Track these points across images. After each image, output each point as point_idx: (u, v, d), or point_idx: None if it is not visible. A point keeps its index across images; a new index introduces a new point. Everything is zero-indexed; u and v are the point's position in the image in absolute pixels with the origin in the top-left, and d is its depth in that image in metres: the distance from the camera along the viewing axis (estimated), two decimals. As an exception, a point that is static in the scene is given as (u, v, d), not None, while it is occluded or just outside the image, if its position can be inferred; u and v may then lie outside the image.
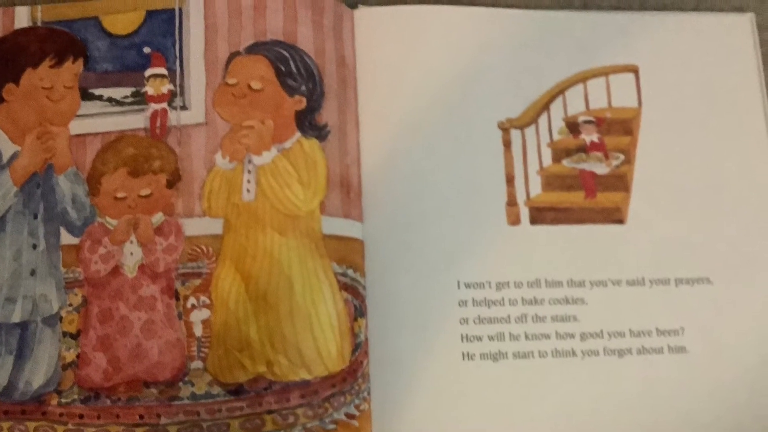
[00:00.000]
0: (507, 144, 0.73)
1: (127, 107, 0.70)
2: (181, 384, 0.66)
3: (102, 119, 0.69)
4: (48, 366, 0.66)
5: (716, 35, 0.78)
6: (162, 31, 0.71)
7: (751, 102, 0.76)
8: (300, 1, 0.72)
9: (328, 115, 0.70)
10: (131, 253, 0.67)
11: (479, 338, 0.69)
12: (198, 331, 0.67)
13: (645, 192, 0.74)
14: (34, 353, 0.66)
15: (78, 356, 0.66)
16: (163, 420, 0.65)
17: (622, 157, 0.74)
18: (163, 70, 0.70)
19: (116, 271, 0.67)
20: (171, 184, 0.68)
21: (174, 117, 0.70)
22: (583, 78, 0.75)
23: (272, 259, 0.67)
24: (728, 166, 0.75)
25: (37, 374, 0.65)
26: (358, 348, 0.68)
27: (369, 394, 0.67)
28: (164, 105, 0.70)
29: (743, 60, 0.77)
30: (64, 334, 0.66)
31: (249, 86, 0.70)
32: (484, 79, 0.74)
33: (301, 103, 0.70)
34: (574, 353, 0.70)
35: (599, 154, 0.74)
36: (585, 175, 0.74)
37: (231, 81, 0.70)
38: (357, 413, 0.66)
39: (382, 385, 0.67)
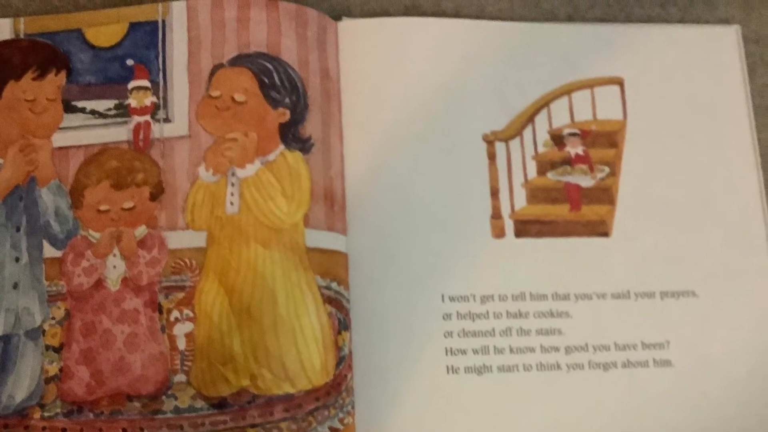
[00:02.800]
0: (492, 156, 0.75)
1: (110, 120, 0.71)
2: (164, 397, 0.67)
3: (85, 132, 0.71)
4: (31, 379, 0.66)
5: (702, 47, 0.79)
6: (145, 43, 0.72)
7: (736, 114, 0.78)
8: (284, 13, 0.73)
9: (311, 127, 0.72)
10: (114, 266, 0.68)
11: (464, 351, 0.71)
12: (181, 344, 0.68)
13: (630, 205, 0.75)
14: (17, 367, 0.67)
15: (61, 370, 0.67)
16: (146, 433, 0.66)
17: (607, 169, 0.76)
18: (146, 83, 0.71)
19: (99, 284, 0.68)
20: (154, 197, 0.69)
21: (157, 129, 0.71)
22: (567, 90, 0.77)
23: (256, 272, 0.68)
24: (714, 179, 0.77)
25: (20, 388, 0.66)
26: (342, 361, 0.69)
27: (353, 407, 0.69)
28: (147, 117, 0.71)
29: (729, 72, 0.79)
30: (47, 347, 0.67)
31: (232, 98, 0.71)
32: (468, 92, 0.76)
33: (284, 115, 0.71)
34: (558, 367, 0.71)
35: (584, 166, 0.76)
36: (570, 188, 0.75)
37: (214, 93, 0.71)
38: (341, 427, 0.68)
39: (366, 398, 0.69)
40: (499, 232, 0.74)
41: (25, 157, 0.70)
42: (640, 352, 0.73)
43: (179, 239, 0.69)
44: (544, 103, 0.77)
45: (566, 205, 0.75)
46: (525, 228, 0.74)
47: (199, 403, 0.67)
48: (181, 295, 0.69)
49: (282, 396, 0.67)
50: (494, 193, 0.74)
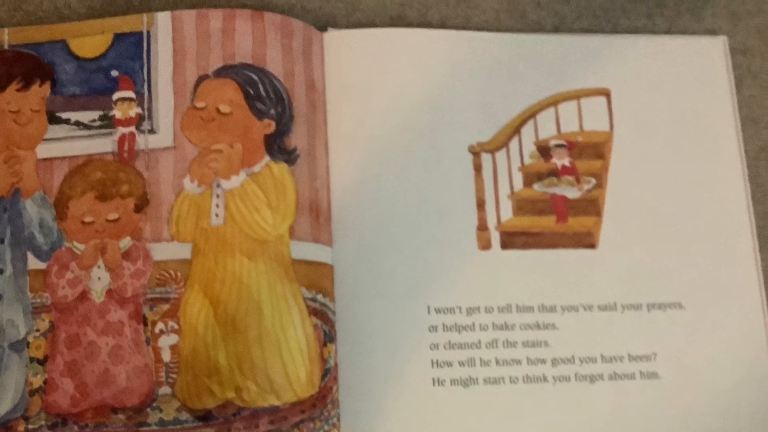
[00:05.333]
0: (478, 168, 0.76)
1: (94, 131, 0.72)
2: (149, 410, 0.68)
3: (69, 143, 0.72)
4: (15, 392, 0.68)
5: (688, 58, 0.81)
6: (130, 54, 0.73)
7: (723, 125, 0.80)
8: (269, 24, 0.74)
9: (297, 138, 0.73)
10: (99, 278, 0.70)
11: (450, 364, 0.72)
12: (166, 356, 0.69)
13: (617, 216, 0.77)
14: (1, 379, 0.68)
15: (45, 382, 0.68)
16: (131, 446, 0.67)
17: (593, 181, 0.77)
18: (131, 94, 0.73)
19: (84, 296, 0.69)
20: (139, 209, 0.70)
21: (142, 141, 0.72)
22: (554, 101, 0.78)
23: (241, 284, 0.70)
24: (700, 191, 0.78)
25: (4, 400, 0.67)
26: (328, 374, 0.70)
27: (339, 420, 0.70)
28: (132, 129, 0.72)
29: (716, 83, 0.81)
30: (31, 359, 0.68)
31: (217, 110, 0.72)
32: (454, 103, 0.77)
33: (270, 126, 0.72)
34: (545, 379, 0.73)
35: (571, 178, 0.77)
36: (556, 200, 0.77)
37: (199, 104, 0.72)
38: (326, 439, 0.69)
39: (351, 411, 0.71)
40: (485, 244, 0.75)
41: (10, 169, 0.71)
42: (626, 364, 0.74)
43: (164, 251, 0.71)
44: (530, 115, 0.78)
45: (553, 216, 0.77)
46: (511, 240, 0.76)
47: (184, 416, 0.68)
48: (166, 307, 0.70)
49: (267, 408, 0.68)
50: (480, 204, 0.76)
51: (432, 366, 0.73)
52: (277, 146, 0.73)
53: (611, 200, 0.78)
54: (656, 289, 0.76)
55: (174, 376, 0.69)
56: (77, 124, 0.73)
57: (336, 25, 0.79)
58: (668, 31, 0.83)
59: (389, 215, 0.75)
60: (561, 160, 0.78)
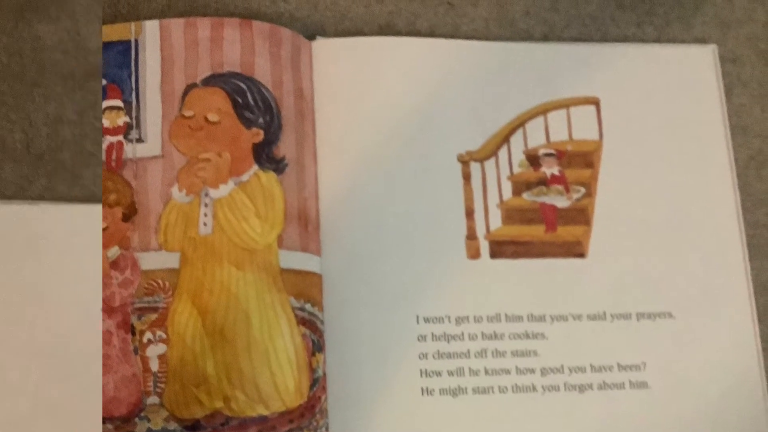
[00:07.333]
0: (467, 177, 0.77)
1: None
2: (137, 419, 0.68)
3: None
4: None
5: (678, 67, 0.82)
6: (118, 62, 0.74)
7: (713, 134, 0.81)
8: (257, 33, 0.75)
9: (285, 147, 0.74)
10: None
11: (438, 373, 0.73)
12: (154, 366, 0.69)
13: (606, 225, 0.78)
14: None
15: None
16: (119, 456, 0.68)
17: (583, 190, 0.79)
18: (118, 102, 0.73)
19: None
20: (127, 218, 0.71)
21: (130, 150, 0.72)
22: (543, 110, 0.79)
23: (229, 293, 0.70)
24: (690, 200, 0.79)
25: None
26: (316, 383, 0.71)
27: (327, 429, 0.71)
28: (120, 137, 0.72)
29: (705, 92, 0.82)
30: None
31: (206, 118, 0.73)
32: (443, 111, 0.78)
33: (258, 135, 0.73)
34: (534, 388, 0.74)
35: (560, 187, 0.79)
36: (545, 209, 0.78)
37: (187, 113, 0.73)
38: (315, 449, 0.70)
39: (340, 420, 0.72)
40: (474, 253, 0.77)
41: (-2, 177, 0.71)
42: (616, 373, 0.75)
43: (152, 260, 0.71)
44: (519, 123, 0.79)
45: (542, 225, 0.78)
46: (500, 249, 0.77)
47: (172, 425, 0.69)
48: (154, 316, 0.70)
49: (256, 418, 0.69)
50: (469, 213, 0.77)
51: (421, 375, 0.74)
52: (266, 155, 0.74)
53: (600, 209, 0.79)
54: (646, 298, 0.77)
55: (162, 385, 0.70)
56: (65, 132, 0.73)
57: (324, 34, 0.80)
58: (658, 40, 0.84)
59: (378, 224, 0.76)
60: (550, 168, 0.79)
